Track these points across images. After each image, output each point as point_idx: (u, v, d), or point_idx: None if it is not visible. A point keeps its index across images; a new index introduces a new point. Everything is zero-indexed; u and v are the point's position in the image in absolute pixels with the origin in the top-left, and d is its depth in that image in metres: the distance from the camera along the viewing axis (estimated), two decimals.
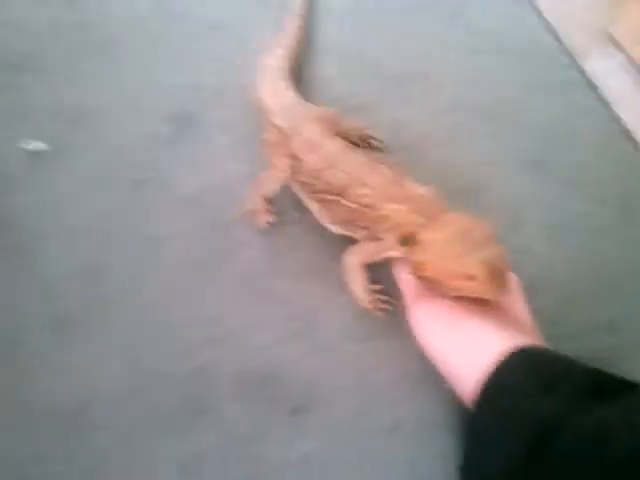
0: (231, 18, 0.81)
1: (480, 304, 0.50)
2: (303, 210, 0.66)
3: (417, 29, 0.85)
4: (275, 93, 0.68)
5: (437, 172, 0.61)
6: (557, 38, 0.87)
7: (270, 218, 0.65)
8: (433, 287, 0.54)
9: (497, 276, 0.49)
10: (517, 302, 0.53)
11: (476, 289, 0.49)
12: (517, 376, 0.43)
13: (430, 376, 0.56)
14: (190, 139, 0.70)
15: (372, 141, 0.70)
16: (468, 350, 0.47)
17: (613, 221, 0.70)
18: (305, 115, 0.65)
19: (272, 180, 0.64)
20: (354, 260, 0.59)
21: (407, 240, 0.56)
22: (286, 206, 0.67)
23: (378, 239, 0.58)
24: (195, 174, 0.68)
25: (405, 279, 0.57)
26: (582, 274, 0.65)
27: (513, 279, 0.53)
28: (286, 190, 0.67)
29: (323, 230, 0.65)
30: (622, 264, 0.66)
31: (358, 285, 0.59)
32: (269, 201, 0.66)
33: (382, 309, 0.59)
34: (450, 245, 0.51)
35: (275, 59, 0.73)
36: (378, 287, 0.60)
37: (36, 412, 0.53)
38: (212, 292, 0.61)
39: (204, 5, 0.82)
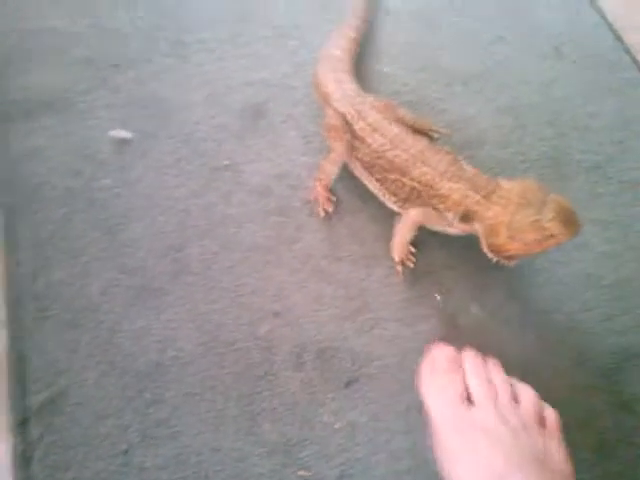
0: (297, 21, 0.86)
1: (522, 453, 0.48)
2: (363, 200, 0.71)
3: (477, 29, 0.87)
4: (337, 82, 0.72)
5: (495, 172, 0.64)
6: (618, 38, 0.87)
7: (330, 207, 0.69)
8: (515, 258, 0.62)
9: (570, 219, 0.56)
10: (554, 440, 0.50)
11: (560, 240, 0.56)
12: None
13: None
14: (260, 131, 0.76)
15: (431, 133, 0.73)
16: None
17: None
18: (366, 102, 0.69)
19: (332, 163, 0.69)
20: (414, 216, 0.64)
21: (467, 217, 0.62)
22: (347, 196, 0.71)
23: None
24: (265, 164, 0.73)
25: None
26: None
27: (552, 417, 0.53)
28: (348, 181, 0.71)
29: (381, 220, 0.69)
30: None
31: (402, 237, 0.65)
32: (330, 191, 0.70)
33: (405, 266, 0.66)
34: (519, 218, 0.57)
35: (338, 50, 0.76)
36: (414, 250, 0.66)
37: (117, 371, 0.60)
38: (277, 271, 0.66)
39: (271, 9, 0.87)
